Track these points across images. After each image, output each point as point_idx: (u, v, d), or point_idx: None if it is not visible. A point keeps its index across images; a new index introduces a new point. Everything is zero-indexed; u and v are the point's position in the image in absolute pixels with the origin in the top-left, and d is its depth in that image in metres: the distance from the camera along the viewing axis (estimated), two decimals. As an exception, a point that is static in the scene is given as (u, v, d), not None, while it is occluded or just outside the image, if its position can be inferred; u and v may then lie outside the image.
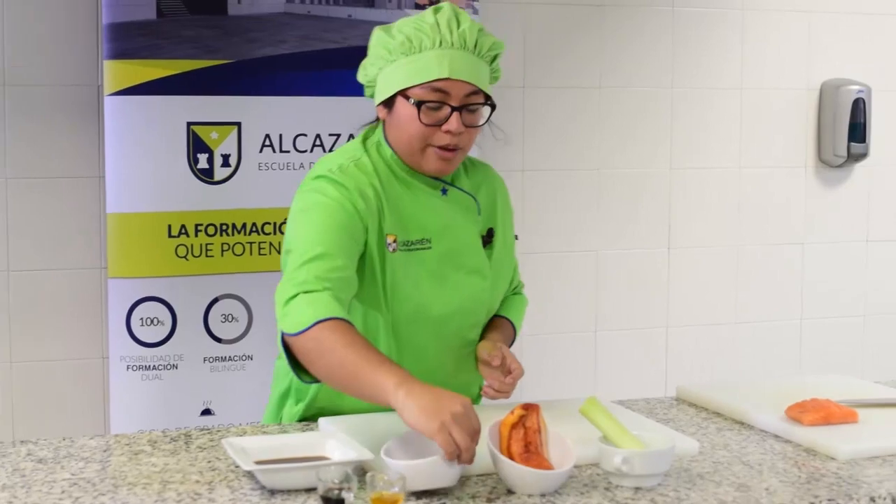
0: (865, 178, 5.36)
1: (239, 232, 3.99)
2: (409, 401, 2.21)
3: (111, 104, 3.88)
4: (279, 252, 3.96)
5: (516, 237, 2.97)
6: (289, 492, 2.19)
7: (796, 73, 5.22)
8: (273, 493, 2.19)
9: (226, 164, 3.97)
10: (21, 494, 2.20)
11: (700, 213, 5.12)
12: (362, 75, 2.77)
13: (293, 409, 2.81)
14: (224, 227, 3.98)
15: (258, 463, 2.23)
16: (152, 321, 3.94)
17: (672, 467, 2.34)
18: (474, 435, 2.17)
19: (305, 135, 4.03)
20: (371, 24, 4.00)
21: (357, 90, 4.08)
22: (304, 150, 4.02)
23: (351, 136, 4.02)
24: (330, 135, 4.04)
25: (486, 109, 2.68)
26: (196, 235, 3.95)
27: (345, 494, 1.98)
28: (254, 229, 4.00)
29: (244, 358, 4.02)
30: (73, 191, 4.31)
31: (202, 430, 2.67)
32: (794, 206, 5.27)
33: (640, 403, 2.95)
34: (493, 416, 2.34)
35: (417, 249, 2.67)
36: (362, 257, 2.62)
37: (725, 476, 2.33)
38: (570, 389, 3.04)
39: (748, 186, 5.19)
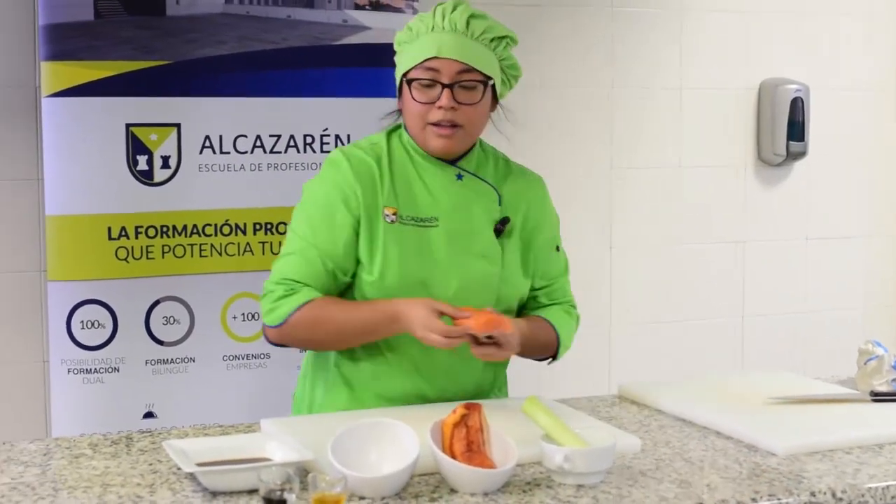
0: (804, 177, 5.41)
1: (179, 234, 3.96)
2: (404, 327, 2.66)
3: (49, 106, 3.84)
4: (220, 254, 3.98)
5: (557, 248, 2.99)
6: (230, 493, 2.18)
7: (735, 73, 5.25)
8: (215, 494, 2.18)
9: (166, 165, 3.94)
10: (-41, 500, 2.18)
11: (641, 212, 5.14)
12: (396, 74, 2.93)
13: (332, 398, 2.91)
14: (164, 229, 3.95)
15: (200, 465, 2.22)
16: (93, 324, 3.91)
17: (614, 465, 2.34)
18: (442, 331, 2.59)
19: (245, 136, 4.00)
20: (310, 25, 4.03)
21: (296, 91, 4.10)
22: (244, 151, 4.00)
23: (291, 137, 4.03)
24: (270, 136, 4.02)
25: (484, 88, 2.80)
26: (136, 238, 3.92)
27: (286, 495, 1.98)
28: (195, 231, 3.97)
29: (186, 360, 4.00)
30: (12, 193, 4.26)
31: (143, 432, 2.66)
32: (735, 205, 5.31)
33: (582, 402, 2.96)
34: (438, 417, 2.34)
35: (425, 226, 2.80)
36: (359, 225, 2.78)
37: (667, 473, 2.34)
38: (515, 390, 3.05)
39: (688, 186, 5.21)
